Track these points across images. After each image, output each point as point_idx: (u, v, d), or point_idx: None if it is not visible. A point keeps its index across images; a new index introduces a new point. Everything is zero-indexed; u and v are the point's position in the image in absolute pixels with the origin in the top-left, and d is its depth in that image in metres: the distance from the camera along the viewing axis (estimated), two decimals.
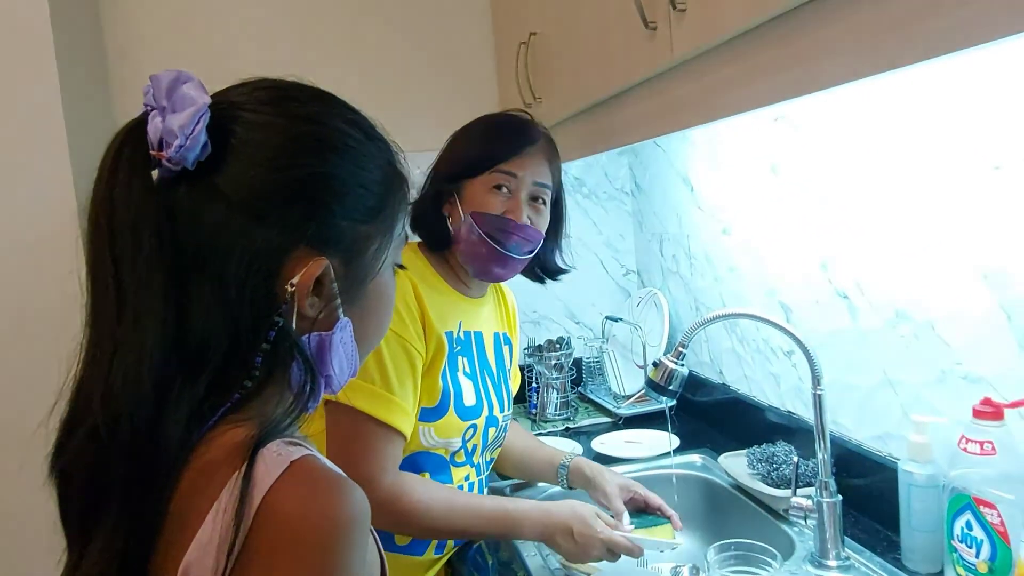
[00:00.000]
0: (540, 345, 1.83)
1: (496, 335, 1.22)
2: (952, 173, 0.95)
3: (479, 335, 1.17)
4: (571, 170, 1.94)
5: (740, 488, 1.26)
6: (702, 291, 1.64)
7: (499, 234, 1.06)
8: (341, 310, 0.56)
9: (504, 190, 1.07)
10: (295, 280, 0.52)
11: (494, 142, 1.08)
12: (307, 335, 0.54)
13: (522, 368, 1.73)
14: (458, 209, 1.08)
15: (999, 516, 0.84)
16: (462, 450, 1.10)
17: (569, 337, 1.86)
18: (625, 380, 1.78)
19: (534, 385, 1.80)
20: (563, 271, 1.24)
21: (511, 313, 1.29)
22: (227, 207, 0.51)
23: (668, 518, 1.16)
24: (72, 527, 0.51)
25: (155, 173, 0.51)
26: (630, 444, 1.52)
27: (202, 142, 0.49)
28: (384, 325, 0.62)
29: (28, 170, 1.50)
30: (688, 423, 1.62)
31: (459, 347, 1.10)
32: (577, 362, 1.88)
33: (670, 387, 1.08)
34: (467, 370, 1.11)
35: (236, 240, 0.51)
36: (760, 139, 1.35)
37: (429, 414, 1.04)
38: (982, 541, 0.86)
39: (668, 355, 1.09)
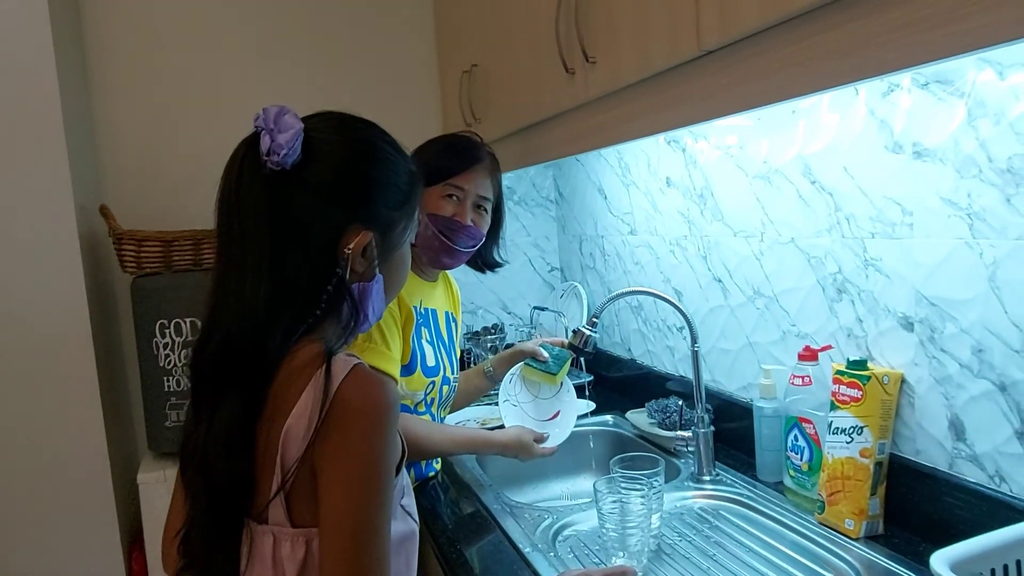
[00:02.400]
0: (477, 331, 2.12)
1: (446, 313, 1.49)
2: (786, 188, 1.29)
3: (434, 311, 1.44)
4: (504, 180, 2.22)
5: (642, 436, 1.58)
6: (614, 282, 1.96)
7: (448, 232, 1.34)
8: (377, 269, 0.82)
9: (454, 198, 1.35)
10: (351, 246, 0.78)
11: (449, 159, 1.36)
12: (355, 284, 0.80)
13: (462, 351, 2.01)
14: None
15: (814, 428, 1.18)
16: (423, 402, 1.36)
17: (503, 324, 2.15)
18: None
19: (472, 365, 2.07)
20: (500, 264, 1.53)
21: (456, 298, 1.57)
22: (311, 194, 0.77)
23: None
24: (201, 408, 0.76)
25: (264, 171, 0.76)
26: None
27: (298, 152, 0.75)
28: (400, 283, 0.89)
29: (28, 170, 1.61)
30: (603, 394, 1.93)
31: (421, 319, 1.37)
32: (509, 346, 2.17)
33: (587, 349, 1.39)
34: (428, 338, 1.38)
35: (315, 217, 0.77)
36: (658, 158, 1.68)
37: (402, 370, 1.30)
38: (804, 448, 1.19)
39: (584, 325, 1.39)
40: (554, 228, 2.32)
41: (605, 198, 1.97)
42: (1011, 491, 0.95)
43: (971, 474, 1.01)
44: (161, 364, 1.67)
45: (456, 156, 1.36)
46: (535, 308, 2.21)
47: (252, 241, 0.74)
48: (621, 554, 1.08)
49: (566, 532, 1.20)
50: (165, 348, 1.66)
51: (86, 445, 1.67)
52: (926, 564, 0.74)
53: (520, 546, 1.12)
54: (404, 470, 0.84)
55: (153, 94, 1.93)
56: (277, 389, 0.74)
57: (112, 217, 1.70)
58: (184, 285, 1.68)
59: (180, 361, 1.67)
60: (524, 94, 1.52)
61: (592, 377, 1.97)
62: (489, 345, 2.05)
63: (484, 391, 1.62)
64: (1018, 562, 0.75)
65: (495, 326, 2.12)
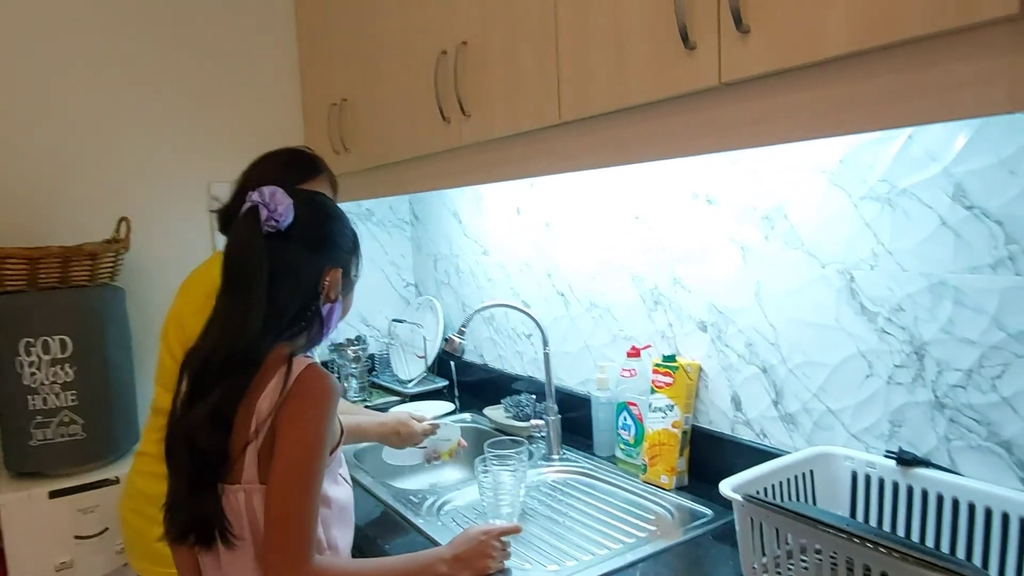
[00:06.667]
0: (341, 343, 2.27)
1: None
2: (614, 219, 1.64)
3: None
4: (364, 203, 2.42)
5: (498, 428, 1.85)
6: (468, 296, 2.23)
7: None
8: (340, 296, 1.05)
9: None
10: (327, 280, 1.02)
11: (292, 170, 1.40)
12: (325, 306, 1.02)
13: (325, 363, 2.16)
14: None
15: (638, 409, 1.52)
16: None
17: (364, 336, 2.33)
18: (409, 367, 2.30)
19: (337, 375, 2.22)
20: None
21: None
22: (299, 247, 0.99)
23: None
24: (195, 396, 0.95)
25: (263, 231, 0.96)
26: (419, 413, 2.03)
27: (290, 218, 0.97)
28: (350, 304, 1.11)
29: None
30: (461, 397, 2.18)
31: None
32: (371, 356, 2.35)
33: (458, 353, 1.63)
34: None
35: (303, 262, 0.99)
36: (506, 191, 1.98)
37: None
38: (631, 426, 1.53)
39: (454, 333, 1.64)
40: (409, 247, 2.54)
41: (460, 222, 2.23)
42: (770, 444, 1.34)
43: (745, 435, 1.39)
44: (26, 383, 1.65)
45: (299, 168, 1.41)
46: (393, 320, 2.41)
47: (250, 282, 0.95)
48: (496, 520, 1.33)
49: (447, 507, 1.43)
50: (31, 367, 1.64)
51: None
52: (717, 500, 1.07)
53: (411, 519, 1.34)
54: (341, 448, 1.05)
55: (11, 110, 1.88)
56: (255, 380, 0.95)
57: None
58: (52, 303, 1.68)
59: (48, 379, 1.66)
60: (398, 132, 1.74)
61: (447, 382, 2.22)
62: (352, 355, 2.21)
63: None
64: (773, 485, 1.12)
65: (357, 338, 2.29)
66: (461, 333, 1.63)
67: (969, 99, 0.70)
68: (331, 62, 2.09)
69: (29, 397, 1.66)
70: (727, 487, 1.04)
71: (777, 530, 0.97)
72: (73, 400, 1.69)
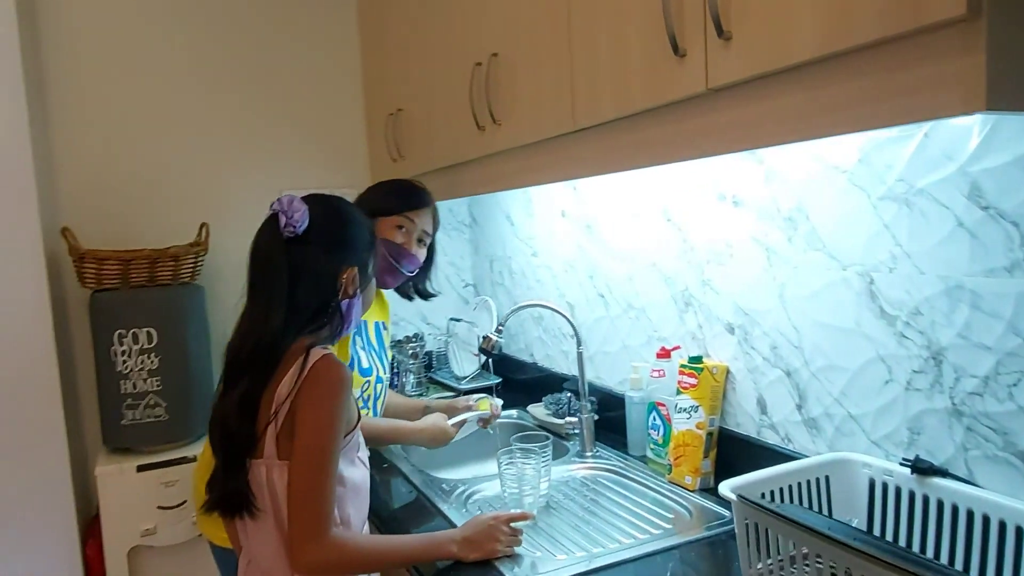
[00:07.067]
0: (400, 340, 2.39)
1: (377, 323, 1.77)
2: (648, 221, 1.65)
3: (365, 322, 1.71)
4: None
5: (541, 425, 1.90)
6: (520, 296, 2.29)
7: (396, 255, 1.62)
8: (358, 291, 1.14)
9: (404, 229, 1.63)
10: (344, 277, 1.11)
11: (406, 197, 1.64)
12: (344, 302, 1.12)
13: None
14: None
15: (666, 410, 1.53)
16: (360, 399, 1.63)
17: (422, 333, 2.44)
18: (464, 364, 2.39)
19: (396, 370, 2.35)
20: (433, 295, 1.82)
21: (387, 308, 1.85)
22: (316, 249, 1.09)
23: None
24: (228, 385, 1.07)
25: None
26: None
27: (306, 222, 1.07)
28: (370, 300, 1.21)
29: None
30: (510, 393, 2.24)
31: (355, 330, 1.64)
32: (428, 353, 2.46)
33: (494, 351, 1.70)
34: (362, 344, 1.65)
35: (322, 264, 1.09)
36: (554, 194, 2.03)
37: None
38: (660, 426, 1.55)
39: (492, 332, 1.70)
40: (468, 249, 2.63)
41: (512, 224, 2.30)
42: (794, 448, 1.33)
43: (771, 439, 1.38)
44: (118, 369, 1.86)
45: (413, 196, 1.65)
46: (451, 319, 2.51)
47: (275, 284, 1.07)
48: (518, 510, 1.39)
49: (475, 496, 1.50)
50: (123, 355, 1.85)
51: (47, 441, 1.84)
52: None
53: (439, 505, 1.42)
54: (359, 432, 1.14)
55: (105, 123, 2.12)
56: (278, 369, 1.06)
57: (73, 237, 1.88)
58: (141, 299, 1.88)
59: (137, 366, 1.87)
60: (441, 140, 1.83)
61: (501, 379, 2.29)
62: (410, 351, 2.33)
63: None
64: (781, 489, 1.11)
65: (416, 335, 2.40)
66: (498, 332, 1.70)
67: (925, 102, 0.70)
68: (388, 76, 2.21)
69: (121, 382, 1.87)
70: (727, 487, 1.05)
71: (767, 531, 0.98)
72: (158, 385, 1.89)
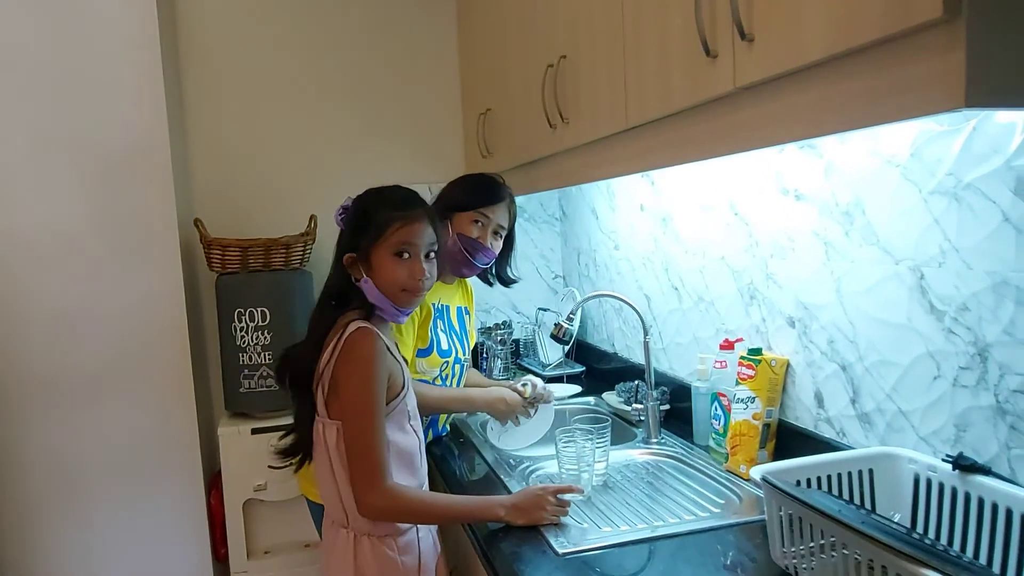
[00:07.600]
0: (489, 327, 2.53)
1: (459, 308, 1.91)
2: (718, 215, 1.68)
3: (447, 307, 1.86)
4: (517, 200, 2.65)
5: (614, 412, 1.97)
6: (602, 288, 2.36)
7: (471, 249, 1.74)
8: (364, 274, 1.26)
9: (479, 223, 1.75)
10: (345, 262, 1.27)
11: (481, 193, 1.74)
12: (361, 283, 1.26)
13: (476, 344, 2.43)
14: (448, 229, 1.76)
15: (727, 400, 1.56)
16: (439, 376, 1.78)
17: (511, 321, 2.57)
18: (549, 352, 2.49)
19: (485, 355, 2.49)
20: (514, 280, 1.92)
21: (470, 294, 1.98)
22: (339, 238, 1.28)
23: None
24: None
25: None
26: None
27: (341, 219, 1.27)
28: (388, 282, 1.26)
29: (141, 191, 2.10)
30: (592, 381, 2.32)
31: (438, 313, 1.79)
32: (516, 340, 2.59)
33: (564, 338, 1.79)
34: (443, 327, 1.80)
35: (337, 251, 1.29)
36: (633, 189, 2.08)
37: (423, 352, 1.72)
38: (721, 416, 1.58)
39: (563, 320, 1.79)
40: (558, 241, 2.73)
41: (596, 218, 2.37)
42: (848, 442, 1.33)
43: (827, 432, 1.38)
44: (238, 343, 2.12)
45: (488, 192, 1.74)
46: (539, 309, 2.62)
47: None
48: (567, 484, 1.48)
49: (538, 472, 1.61)
50: (241, 331, 2.12)
51: (179, 405, 2.14)
52: None
53: (503, 478, 1.54)
54: (410, 402, 1.29)
55: (231, 130, 2.41)
56: (327, 340, 1.24)
57: (203, 228, 2.16)
58: (257, 282, 2.14)
59: (253, 342, 2.12)
60: (520, 138, 1.94)
61: (584, 368, 2.38)
62: (499, 338, 2.46)
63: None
64: (819, 478, 1.14)
65: (504, 323, 2.53)
66: (569, 320, 1.79)
67: (916, 100, 0.72)
68: (479, 79, 2.35)
69: (240, 354, 2.13)
70: (759, 471, 1.09)
71: (791, 516, 1.01)
72: (269, 359, 2.14)
